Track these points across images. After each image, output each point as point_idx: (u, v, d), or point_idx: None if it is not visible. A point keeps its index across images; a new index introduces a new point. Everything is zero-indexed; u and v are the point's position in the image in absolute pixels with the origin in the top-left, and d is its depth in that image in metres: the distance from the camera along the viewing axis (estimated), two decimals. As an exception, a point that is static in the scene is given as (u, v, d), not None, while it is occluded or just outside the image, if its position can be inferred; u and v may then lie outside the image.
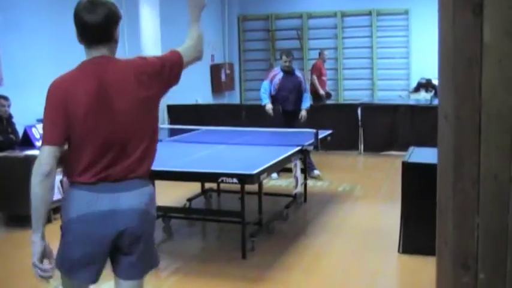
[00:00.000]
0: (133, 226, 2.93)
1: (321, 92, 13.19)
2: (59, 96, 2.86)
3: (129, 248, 2.97)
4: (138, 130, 2.96)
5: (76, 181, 2.97)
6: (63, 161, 2.98)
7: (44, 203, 2.85)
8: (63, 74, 2.96)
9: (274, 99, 9.08)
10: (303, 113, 9.08)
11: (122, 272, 3.04)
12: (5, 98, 7.68)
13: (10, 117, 7.77)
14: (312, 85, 13.16)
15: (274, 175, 8.92)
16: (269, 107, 8.97)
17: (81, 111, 2.83)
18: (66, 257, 2.96)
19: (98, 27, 2.91)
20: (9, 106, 7.68)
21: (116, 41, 3.06)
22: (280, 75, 9.13)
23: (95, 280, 3.00)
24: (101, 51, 2.97)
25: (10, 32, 8.55)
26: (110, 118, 2.88)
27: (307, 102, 9.22)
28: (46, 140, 2.85)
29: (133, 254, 2.99)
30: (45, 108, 2.88)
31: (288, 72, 9.13)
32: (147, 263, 3.09)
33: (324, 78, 13.56)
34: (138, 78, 2.95)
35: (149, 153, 3.03)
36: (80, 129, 2.86)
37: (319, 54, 13.88)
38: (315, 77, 13.22)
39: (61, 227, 3.04)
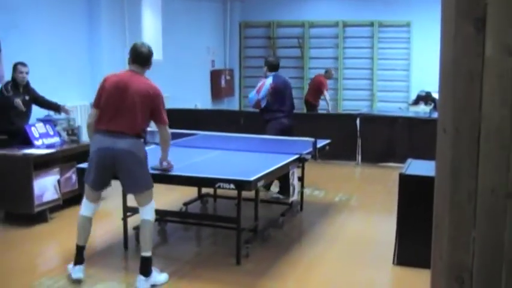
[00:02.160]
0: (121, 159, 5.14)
1: (329, 106, 13.53)
2: (101, 83, 5.29)
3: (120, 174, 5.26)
4: (130, 113, 5.14)
5: (98, 128, 5.22)
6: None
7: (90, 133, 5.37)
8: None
9: None
10: None
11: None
12: (23, 64, 7.81)
13: (28, 84, 7.90)
14: (315, 98, 13.67)
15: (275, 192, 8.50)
16: None
17: (106, 92, 5.21)
18: (88, 174, 5.29)
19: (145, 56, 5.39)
20: (27, 73, 7.81)
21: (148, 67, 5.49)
22: None
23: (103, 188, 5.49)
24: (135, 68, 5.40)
25: (11, 32, 8.58)
26: (119, 101, 5.15)
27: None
28: (93, 105, 5.40)
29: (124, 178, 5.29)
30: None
31: None
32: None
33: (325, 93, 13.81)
34: (144, 93, 5.21)
35: (135, 126, 5.18)
36: (105, 101, 5.20)
37: (326, 71, 13.98)
38: (326, 93, 13.59)
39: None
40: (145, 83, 5.29)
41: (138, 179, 5.22)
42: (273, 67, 8.54)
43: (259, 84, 8.43)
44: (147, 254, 5.18)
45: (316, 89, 13.53)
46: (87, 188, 5.38)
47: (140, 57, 5.34)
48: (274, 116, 8.38)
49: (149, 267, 5.18)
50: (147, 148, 7.25)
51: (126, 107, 5.14)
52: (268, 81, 8.34)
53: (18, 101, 7.57)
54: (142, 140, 5.33)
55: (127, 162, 5.14)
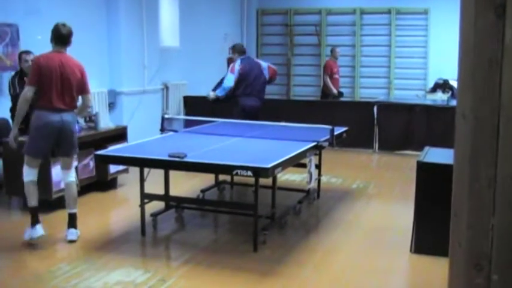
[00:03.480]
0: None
1: (334, 91, 13.21)
2: (36, 65, 5.94)
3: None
4: (70, 91, 5.99)
5: (44, 106, 5.90)
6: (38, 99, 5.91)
7: (22, 112, 5.89)
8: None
9: None
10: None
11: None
12: (27, 53, 7.66)
13: None
14: (324, 84, 13.31)
15: None
16: None
17: (44, 73, 5.84)
18: (33, 146, 5.95)
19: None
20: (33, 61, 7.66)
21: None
22: None
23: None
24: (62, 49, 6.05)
25: (30, 18, 8.60)
26: (60, 82, 5.88)
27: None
28: (29, 82, 5.93)
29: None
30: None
31: None
32: None
33: (336, 76, 13.51)
34: (75, 71, 6.01)
35: (74, 101, 6.11)
36: (46, 81, 5.85)
37: (331, 51, 13.90)
38: (327, 77, 13.27)
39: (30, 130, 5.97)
40: (74, 62, 6.08)
41: (74, 144, 6.19)
42: (241, 51, 9.41)
43: (231, 67, 9.16)
44: (75, 210, 6.16)
45: (327, 74, 13.36)
46: (30, 158, 6.00)
47: (63, 38, 6.01)
48: (238, 98, 9.11)
49: (76, 221, 6.14)
50: (164, 135, 7.33)
51: (66, 86, 5.95)
52: (237, 64, 9.04)
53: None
54: None
55: (70, 131, 6.08)
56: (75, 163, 6.57)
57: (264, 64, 9.44)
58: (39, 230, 5.93)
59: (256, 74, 9.16)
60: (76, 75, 6.04)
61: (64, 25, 6.07)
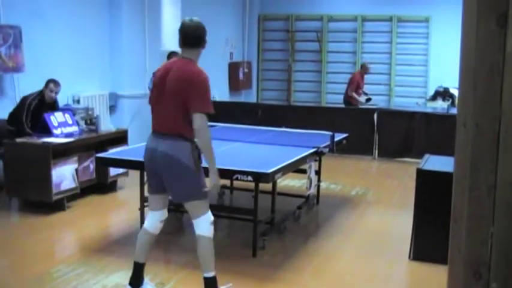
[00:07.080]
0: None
1: (362, 100, 12.92)
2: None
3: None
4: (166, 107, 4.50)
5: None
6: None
7: None
8: None
9: None
10: None
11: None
12: (56, 83, 7.67)
13: (55, 102, 7.86)
14: (350, 97, 12.99)
15: None
16: None
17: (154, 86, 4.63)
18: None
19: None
20: (57, 92, 7.72)
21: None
22: None
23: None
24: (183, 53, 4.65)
25: (33, 20, 8.62)
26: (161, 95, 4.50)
27: None
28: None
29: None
30: None
31: None
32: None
33: (359, 90, 13.16)
34: (180, 80, 4.45)
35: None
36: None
37: (361, 66, 13.58)
38: (352, 90, 12.94)
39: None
40: (186, 69, 4.53)
41: (182, 184, 4.58)
42: None
43: None
44: (207, 274, 4.69)
45: (353, 87, 13.00)
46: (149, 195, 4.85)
47: (183, 37, 4.65)
48: None
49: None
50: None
51: (162, 101, 4.52)
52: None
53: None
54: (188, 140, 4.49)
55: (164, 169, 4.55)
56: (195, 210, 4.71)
57: None
58: None
59: None
60: (179, 85, 4.45)
61: (191, 20, 4.81)
